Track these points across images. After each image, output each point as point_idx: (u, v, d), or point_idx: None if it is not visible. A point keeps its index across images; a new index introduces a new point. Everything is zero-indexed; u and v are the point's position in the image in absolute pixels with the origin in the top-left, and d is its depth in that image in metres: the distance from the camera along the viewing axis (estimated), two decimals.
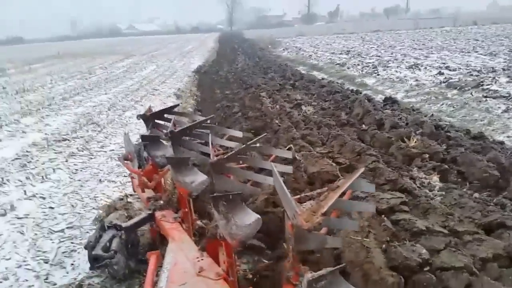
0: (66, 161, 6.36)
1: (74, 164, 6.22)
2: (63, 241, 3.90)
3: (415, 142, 5.44)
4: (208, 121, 3.35)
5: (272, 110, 8.45)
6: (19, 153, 6.83)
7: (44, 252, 3.73)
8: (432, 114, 8.03)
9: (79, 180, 5.52)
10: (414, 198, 3.78)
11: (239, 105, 9.46)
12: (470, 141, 5.72)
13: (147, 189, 3.67)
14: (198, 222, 3.12)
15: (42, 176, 5.69)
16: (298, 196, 1.67)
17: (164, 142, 3.45)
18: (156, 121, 3.72)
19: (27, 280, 3.31)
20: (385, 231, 2.95)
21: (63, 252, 3.70)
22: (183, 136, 3.01)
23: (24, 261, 3.58)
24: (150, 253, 2.71)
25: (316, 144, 5.76)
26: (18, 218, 4.46)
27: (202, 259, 2.45)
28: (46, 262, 3.54)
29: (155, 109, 3.89)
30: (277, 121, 7.31)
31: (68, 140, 7.57)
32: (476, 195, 4.01)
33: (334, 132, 6.19)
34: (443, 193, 4.01)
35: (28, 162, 6.35)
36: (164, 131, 3.30)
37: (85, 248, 2.95)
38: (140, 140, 3.76)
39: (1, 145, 7.38)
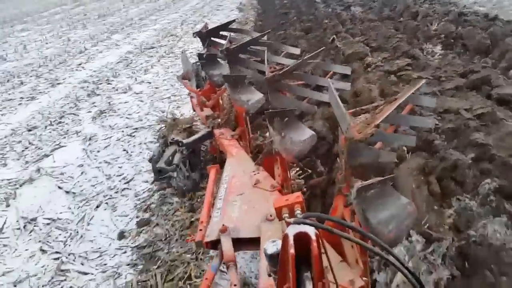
0: (159, 61, 8.66)
1: (165, 63, 8.46)
2: (170, 103, 6.10)
3: (437, 26, 6.87)
4: (265, 38, 3.28)
5: (324, 13, 9.71)
6: (120, 58, 9.18)
7: (160, 108, 5.97)
8: (465, 5, 8.71)
9: (171, 72, 7.66)
10: (417, 60, 5.20)
11: (295, 11, 10.67)
12: (484, 23, 6.67)
13: (206, 108, 3.79)
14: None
15: (144, 70, 8.04)
16: (353, 110, 1.63)
17: (221, 61, 3.46)
18: (212, 39, 3.69)
19: (153, 119, 5.59)
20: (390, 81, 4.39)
21: (173, 107, 5.91)
22: (239, 53, 2.98)
23: (148, 113, 5.85)
24: (210, 167, 2.87)
25: (356, 35, 6.97)
26: (136, 93, 6.77)
27: (258, 173, 2.56)
28: (163, 112, 5.73)
29: (216, 24, 3.86)
30: (326, 21, 8.46)
31: (155, 48, 9.85)
32: (465, 57, 5.51)
33: (374, 24, 7.50)
34: (441, 57, 5.58)
35: (130, 63, 8.72)
36: (221, 49, 3.29)
37: (149, 161, 3.20)
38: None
39: (104, 55, 9.74)
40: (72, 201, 3.86)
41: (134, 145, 4.87)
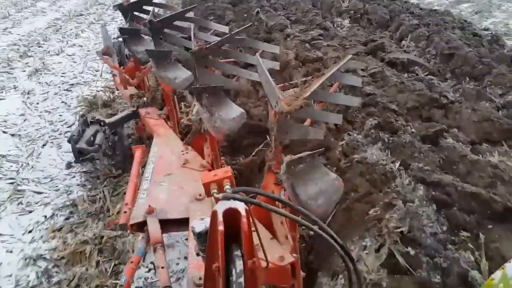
0: (88, 27, 8.98)
1: (95, 29, 8.69)
2: (104, 63, 5.32)
3: (348, 3, 7.94)
4: (192, 14, 3.13)
5: None
6: (48, 24, 9.22)
7: (93, 68, 6.44)
8: None
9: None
10: (328, 31, 6.13)
11: None
12: (387, 1, 8.04)
13: (130, 87, 3.57)
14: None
15: (75, 35, 8.40)
16: (282, 85, 1.62)
17: (145, 37, 3.26)
18: (135, 13, 3.45)
19: (88, 77, 6.15)
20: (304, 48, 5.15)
21: (106, 71, 6.00)
22: (164, 27, 2.81)
23: (82, 72, 6.32)
24: (135, 147, 2.72)
25: (279, 9, 7.95)
26: (68, 55, 7.17)
27: (187, 153, 2.47)
28: (97, 71, 6.24)
29: None
30: None
31: (84, 15, 10.04)
32: (368, 29, 6.82)
33: (294, 0, 8.39)
34: (348, 29, 6.68)
35: (59, 28, 8.92)
36: (144, 22, 3.09)
37: (68, 141, 2.95)
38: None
39: (30, 21, 9.67)
40: (18, 142, 4.37)
41: (72, 98, 5.41)
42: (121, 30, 3.25)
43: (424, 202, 2.32)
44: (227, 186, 1.21)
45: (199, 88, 2.05)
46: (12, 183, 3.60)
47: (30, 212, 3.25)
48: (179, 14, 2.91)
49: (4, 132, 4.55)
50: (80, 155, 2.86)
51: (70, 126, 4.53)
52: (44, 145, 4.24)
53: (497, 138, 3.15)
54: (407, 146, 2.89)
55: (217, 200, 1.05)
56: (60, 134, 4.45)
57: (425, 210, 2.25)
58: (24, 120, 4.84)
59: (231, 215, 1.01)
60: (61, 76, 6.26)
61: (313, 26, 6.44)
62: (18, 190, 3.50)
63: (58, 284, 2.59)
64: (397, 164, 2.67)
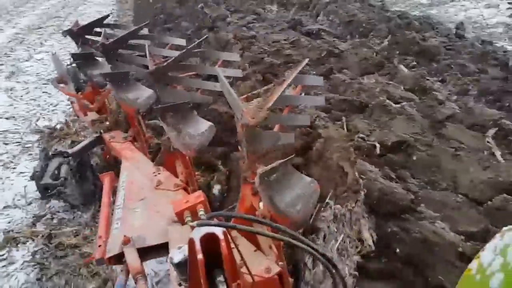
0: (50, 36, 9.54)
1: (57, 37, 9.13)
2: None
3: None
4: (145, 30, 3.06)
5: None
6: (9, 38, 9.50)
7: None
8: None
9: (65, 43, 8.34)
10: (260, 16, 7.88)
11: None
12: None
13: (90, 112, 3.45)
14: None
15: (40, 43, 8.99)
16: (245, 96, 1.58)
17: (100, 59, 3.16)
18: (86, 36, 3.34)
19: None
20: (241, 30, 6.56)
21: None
22: (118, 48, 2.73)
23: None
24: (102, 175, 2.62)
25: (221, 3, 9.23)
26: (38, 60, 7.83)
27: (159, 173, 2.40)
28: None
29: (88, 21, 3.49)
30: None
31: (43, 28, 10.46)
32: (292, 11, 8.65)
33: None
34: (276, 12, 8.51)
35: (22, 41, 9.28)
36: (95, 45, 2.99)
37: (32, 178, 2.79)
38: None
39: None
40: (15, 121, 5.23)
41: (52, 89, 5.97)
42: (73, 56, 3.15)
43: None
44: (201, 212, 1.17)
45: (162, 107, 1.99)
46: (18, 144, 4.57)
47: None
48: (132, 32, 2.84)
49: None
50: (46, 191, 2.72)
51: (55, 106, 5.62)
52: (37, 120, 5.19)
53: (372, 71, 4.84)
54: None
55: (192, 228, 1.00)
56: (48, 112, 5.50)
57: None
58: (15, 108, 5.67)
59: (209, 240, 0.97)
60: (36, 75, 6.98)
61: (248, 13, 8.05)
62: (24, 147, 4.49)
63: None
64: None
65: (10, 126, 5.10)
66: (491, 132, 3.29)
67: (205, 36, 2.78)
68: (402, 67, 4.88)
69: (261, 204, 1.69)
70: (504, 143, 3.17)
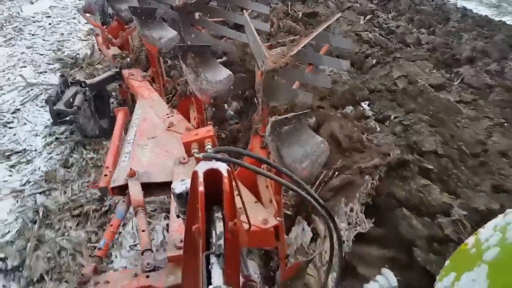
0: None
1: None
2: None
3: None
4: None
5: None
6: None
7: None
8: None
9: None
10: None
11: None
12: None
13: (113, 47, 3.43)
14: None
15: None
16: (269, 44, 1.54)
17: None
18: None
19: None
20: None
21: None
22: None
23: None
24: (117, 109, 2.63)
25: None
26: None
27: (172, 116, 2.40)
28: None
29: None
30: None
31: None
32: None
33: None
34: None
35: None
36: None
37: (46, 102, 2.81)
38: None
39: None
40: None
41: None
42: None
43: None
44: (208, 146, 1.16)
45: (184, 47, 1.95)
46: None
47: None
48: None
49: None
50: (58, 117, 2.74)
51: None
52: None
53: None
54: None
55: (198, 160, 0.99)
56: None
57: None
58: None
59: (212, 176, 0.96)
60: None
61: None
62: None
63: None
64: None
65: None
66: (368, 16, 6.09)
67: None
68: None
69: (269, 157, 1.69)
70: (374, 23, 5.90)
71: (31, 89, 4.19)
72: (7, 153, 3.22)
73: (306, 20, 5.38)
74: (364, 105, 3.44)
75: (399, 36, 5.48)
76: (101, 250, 1.58)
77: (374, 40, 5.11)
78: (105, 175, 1.99)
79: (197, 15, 2.19)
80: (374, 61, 4.53)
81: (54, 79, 4.19)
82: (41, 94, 4.08)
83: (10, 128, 3.53)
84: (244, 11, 1.83)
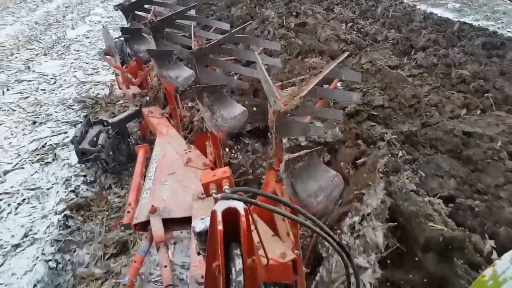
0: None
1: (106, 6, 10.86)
2: None
3: None
4: (192, 11, 3.13)
5: None
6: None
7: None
8: None
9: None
10: None
11: None
12: None
13: (133, 86, 3.59)
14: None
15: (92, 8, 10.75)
16: (280, 83, 1.62)
17: (147, 36, 3.27)
18: (136, 12, 3.45)
19: None
20: None
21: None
22: (165, 26, 2.82)
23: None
24: (138, 147, 2.74)
25: None
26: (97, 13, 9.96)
27: (189, 151, 2.49)
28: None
29: None
30: None
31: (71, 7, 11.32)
32: None
33: None
34: None
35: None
36: (144, 22, 3.09)
37: (71, 142, 2.96)
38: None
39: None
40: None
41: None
42: (122, 29, 3.26)
43: None
44: (226, 186, 1.22)
45: (199, 87, 2.06)
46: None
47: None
48: (180, 12, 2.91)
49: None
50: (83, 156, 2.87)
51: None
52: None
53: None
54: None
55: (216, 200, 1.06)
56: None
57: None
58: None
59: (230, 215, 1.02)
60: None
61: None
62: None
63: None
64: None
65: None
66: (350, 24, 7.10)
67: (249, 22, 2.81)
68: None
69: (284, 192, 1.74)
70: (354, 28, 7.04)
71: (84, 85, 5.55)
72: None
73: (297, 29, 6.67)
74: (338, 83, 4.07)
75: (371, 36, 6.74)
76: (126, 286, 1.64)
77: (350, 39, 6.38)
78: (128, 212, 2.07)
79: (211, 55, 2.30)
80: (348, 53, 5.45)
81: (99, 78, 5.78)
82: (91, 88, 5.39)
83: None
84: (256, 52, 1.93)
